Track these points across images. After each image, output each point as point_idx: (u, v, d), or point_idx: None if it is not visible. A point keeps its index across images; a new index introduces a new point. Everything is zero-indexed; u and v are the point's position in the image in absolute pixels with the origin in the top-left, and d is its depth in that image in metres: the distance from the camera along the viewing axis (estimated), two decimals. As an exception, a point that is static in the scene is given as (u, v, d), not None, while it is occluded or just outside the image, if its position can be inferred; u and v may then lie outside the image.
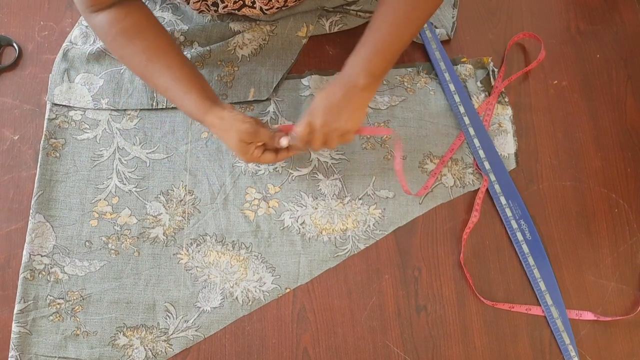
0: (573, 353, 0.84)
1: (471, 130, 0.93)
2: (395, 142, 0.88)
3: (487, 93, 0.97)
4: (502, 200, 0.90)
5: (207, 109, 0.80)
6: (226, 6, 0.91)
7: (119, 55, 0.82)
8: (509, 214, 0.90)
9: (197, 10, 0.94)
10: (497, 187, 0.91)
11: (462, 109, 0.94)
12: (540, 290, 0.86)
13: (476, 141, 0.93)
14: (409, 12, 0.75)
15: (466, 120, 0.94)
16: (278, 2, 0.91)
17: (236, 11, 0.92)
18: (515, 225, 0.89)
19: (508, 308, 0.86)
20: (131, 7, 0.80)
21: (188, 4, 0.93)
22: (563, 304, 0.85)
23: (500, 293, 0.87)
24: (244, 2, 0.90)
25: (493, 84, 0.97)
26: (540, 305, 0.86)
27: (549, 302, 0.85)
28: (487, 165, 0.92)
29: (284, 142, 0.81)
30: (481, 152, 0.92)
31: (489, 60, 0.99)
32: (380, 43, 0.77)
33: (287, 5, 0.94)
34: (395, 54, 0.78)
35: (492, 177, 0.91)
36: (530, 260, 0.87)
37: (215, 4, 0.91)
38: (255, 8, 0.91)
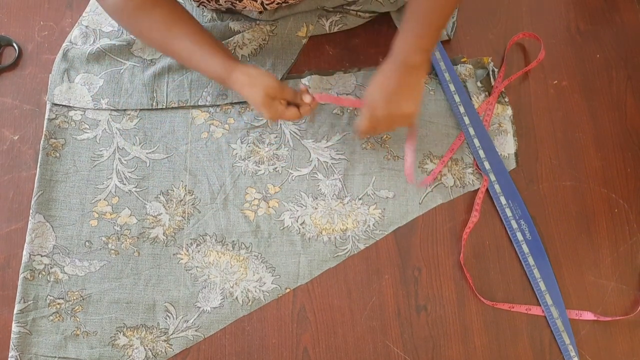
0: (573, 353, 0.84)
1: (471, 130, 0.93)
2: (410, 134, 0.88)
3: (487, 93, 0.97)
4: (502, 200, 0.90)
5: (233, 67, 0.81)
6: None
7: (138, 30, 0.82)
8: (509, 214, 0.90)
9: (198, 2, 0.94)
10: (497, 187, 0.91)
11: (462, 109, 0.94)
12: (540, 290, 0.86)
13: (476, 141, 0.93)
14: None
15: (466, 120, 0.94)
16: None
17: (237, 1, 0.92)
18: (515, 225, 0.89)
19: (508, 308, 0.86)
20: None
21: None
22: (563, 304, 0.85)
23: (500, 293, 0.87)
24: None
25: (493, 84, 0.97)
26: (540, 305, 0.86)
27: (549, 302, 0.85)
28: (487, 165, 0.92)
29: (307, 98, 0.83)
30: (481, 152, 0.92)
31: (489, 60, 0.99)
32: (426, 17, 0.76)
33: (287, 2, 0.93)
34: (441, 26, 0.78)
35: (492, 177, 0.91)
36: (530, 260, 0.87)
37: None
38: (256, 1, 0.91)
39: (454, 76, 0.96)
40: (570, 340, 0.84)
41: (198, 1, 0.94)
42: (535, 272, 0.87)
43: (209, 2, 0.94)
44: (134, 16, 0.80)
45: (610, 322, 0.86)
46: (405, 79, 0.78)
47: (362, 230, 0.89)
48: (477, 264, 0.88)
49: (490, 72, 0.98)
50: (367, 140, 0.94)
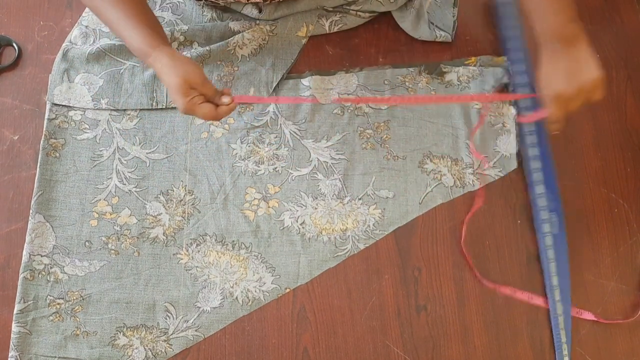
0: (565, 352, 0.84)
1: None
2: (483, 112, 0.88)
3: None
4: (539, 188, 0.90)
5: (157, 44, 0.77)
6: None
7: None
8: (542, 203, 0.89)
9: None
10: (536, 175, 0.91)
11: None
12: (551, 285, 0.86)
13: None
14: None
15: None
16: None
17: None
18: (545, 216, 0.89)
19: (510, 293, 0.86)
20: None
21: None
22: (570, 304, 0.85)
23: (501, 280, 0.87)
24: None
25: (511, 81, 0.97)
26: (541, 296, 0.86)
27: (557, 297, 0.85)
28: (536, 151, 0.92)
29: (226, 99, 0.78)
30: (534, 137, 0.93)
31: (505, 60, 0.98)
32: (549, 3, 0.74)
33: None
34: None
35: (535, 164, 0.91)
36: (550, 253, 0.87)
37: None
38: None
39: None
40: (566, 339, 0.84)
41: None
42: (552, 266, 0.87)
43: None
44: None
45: (611, 322, 0.86)
46: (572, 52, 0.76)
47: (362, 230, 0.89)
48: (478, 250, 0.88)
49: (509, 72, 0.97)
50: (367, 140, 0.94)
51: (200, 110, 0.77)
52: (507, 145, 0.94)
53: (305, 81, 0.96)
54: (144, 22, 0.79)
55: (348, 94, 0.96)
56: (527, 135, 0.93)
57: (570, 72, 0.77)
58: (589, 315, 0.85)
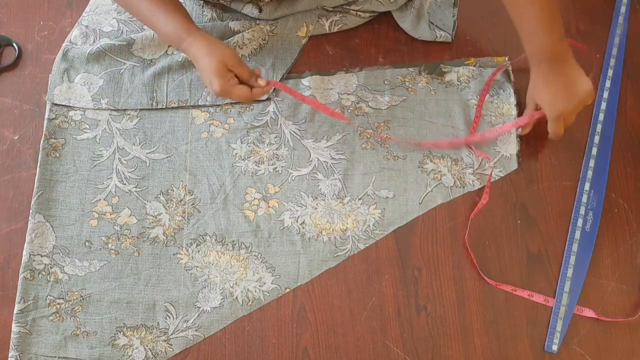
0: (556, 340, 0.84)
1: (603, 105, 0.97)
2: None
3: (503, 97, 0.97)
4: (586, 185, 0.92)
5: (194, 31, 0.80)
6: None
7: None
8: (584, 199, 0.91)
9: None
10: (590, 173, 0.92)
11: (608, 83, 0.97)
12: (565, 276, 0.87)
13: (601, 116, 0.96)
14: None
15: (603, 106, 0.97)
16: None
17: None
18: (582, 212, 0.90)
19: (511, 290, 0.86)
20: None
21: None
22: (576, 299, 0.86)
23: (503, 278, 0.87)
24: None
25: (512, 86, 0.97)
26: (541, 294, 0.86)
27: (566, 289, 0.86)
28: (594, 151, 0.94)
29: (262, 81, 0.82)
30: (599, 127, 0.95)
31: (506, 60, 0.98)
32: (540, 10, 0.76)
33: None
34: (557, 9, 0.78)
35: (591, 163, 0.93)
36: (575, 246, 0.88)
37: None
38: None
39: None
40: (561, 329, 0.84)
41: None
42: (572, 259, 0.88)
43: None
44: None
45: (610, 322, 0.86)
46: (565, 70, 0.81)
47: (362, 230, 0.89)
48: (478, 250, 0.88)
49: (510, 73, 0.98)
50: (367, 140, 0.94)
51: (237, 92, 0.80)
52: (508, 145, 0.94)
53: (305, 81, 0.96)
54: (174, 9, 0.81)
55: (348, 94, 0.96)
56: (595, 135, 0.95)
57: (569, 90, 0.81)
58: (589, 313, 0.85)
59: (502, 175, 0.93)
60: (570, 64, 0.82)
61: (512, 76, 0.98)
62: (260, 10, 0.98)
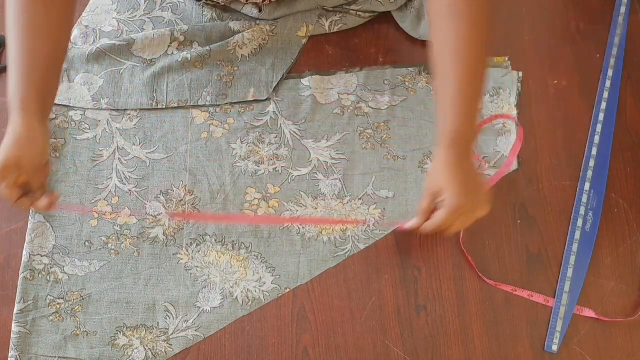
0: (556, 341, 0.84)
1: (603, 105, 0.96)
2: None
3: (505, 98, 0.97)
4: (587, 185, 0.91)
5: (27, 105, 0.69)
6: None
7: None
8: (584, 199, 0.91)
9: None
10: (590, 172, 0.92)
11: (608, 83, 0.97)
12: (565, 276, 0.87)
13: (601, 115, 0.96)
14: (469, 36, 0.68)
15: (603, 105, 0.97)
16: None
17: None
18: (582, 212, 0.90)
19: (511, 290, 0.86)
20: None
21: None
22: (576, 300, 0.86)
23: (501, 278, 0.87)
24: None
25: (519, 88, 0.97)
26: (543, 295, 0.86)
27: (566, 289, 0.86)
28: (594, 151, 0.93)
29: (43, 201, 0.73)
30: (599, 127, 0.95)
31: (506, 60, 0.98)
32: (461, 91, 0.70)
33: None
34: (479, 93, 0.72)
35: (591, 163, 0.93)
36: (575, 246, 0.88)
37: None
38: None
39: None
40: (561, 329, 0.84)
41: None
42: (572, 259, 0.88)
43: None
44: None
45: (611, 322, 0.86)
46: (471, 162, 0.74)
47: (362, 230, 0.89)
48: (478, 250, 0.89)
49: (517, 78, 0.98)
50: (367, 140, 0.94)
51: (5, 194, 0.69)
52: (508, 145, 0.94)
53: (305, 81, 0.96)
54: (35, 73, 0.70)
55: (348, 94, 0.96)
56: (595, 135, 0.95)
57: (476, 185, 0.75)
58: (589, 313, 0.85)
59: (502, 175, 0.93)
60: (473, 159, 0.75)
61: (519, 75, 0.98)
62: (260, 10, 0.98)
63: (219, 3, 0.97)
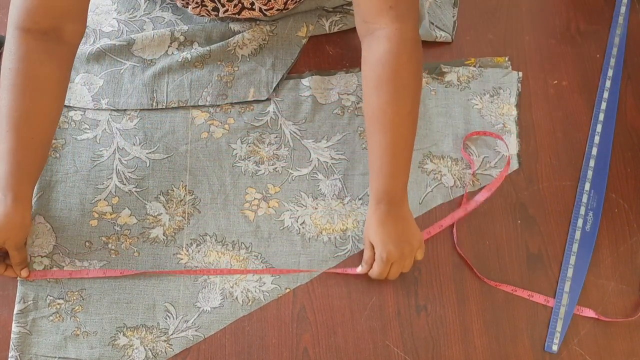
0: (556, 341, 0.84)
1: (603, 105, 0.96)
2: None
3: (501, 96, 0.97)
4: (587, 185, 0.92)
5: (19, 194, 0.76)
6: (227, 10, 0.91)
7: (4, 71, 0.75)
8: (584, 199, 0.91)
9: (197, 14, 0.94)
10: (590, 172, 0.92)
11: (607, 84, 0.98)
12: (565, 276, 0.87)
13: (601, 115, 0.96)
14: (393, 106, 0.74)
15: (605, 94, 0.97)
16: (277, 3, 0.91)
17: (237, 15, 0.92)
18: (582, 212, 0.90)
19: (511, 291, 0.86)
20: (58, 50, 0.76)
21: (187, 8, 0.93)
22: (576, 300, 0.86)
23: (501, 278, 0.87)
24: (243, 5, 0.90)
25: (519, 89, 0.97)
26: (541, 294, 0.86)
27: (566, 289, 0.86)
28: (594, 151, 0.93)
29: (24, 273, 0.82)
30: (599, 126, 0.95)
31: (506, 59, 0.98)
32: (392, 156, 0.76)
33: (288, 8, 0.94)
34: (409, 156, 0.78)
35: (591, 163, 0.93)
36: (575, 246, 0.88)
37: (215, 9, 0.91)
38: (254, 10, 0.91)
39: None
40: (561, 329, 0.84)
41: (198, 14, 0.94)
42: (572, 258, 0.88)
43: (209, 16, 0.94)
44: (15, 64, 0.74)
45: (611, 322, 0.86)
46: (400, 215, 0.81)
47: (362, 230, 0.89)
48: (478, 250, 0.89)
49: (517, 78, 0.98)
50: (367, 141, 0.94)
51: None
52: (508, 145, 0.94)
53: (306, 81, 0.96)
54: (23, 158, 0.76)
55: (348, 94, 0.96)
56: (595, 135, 0.95)
57: (402, 236, 0.81)
58: (589, 313, 0.85)
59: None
60: (406, 210, 0.82)
61: (519, 75, 0.98)
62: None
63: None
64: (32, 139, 0.76)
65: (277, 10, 0.93)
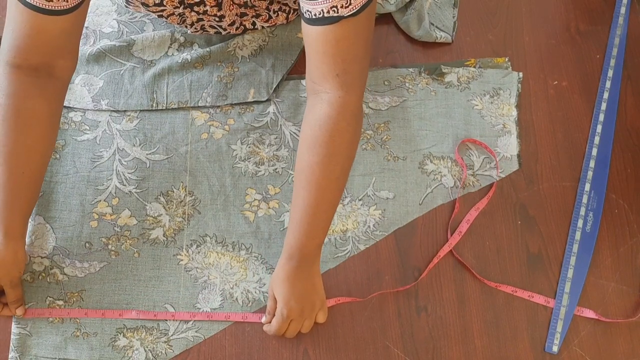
0: (556, 342, 0.84)
1: (603, 106, 0.96)
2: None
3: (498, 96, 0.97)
4: (587, 186, 0.91)
5: (12, 231, 0.77)
6: (228, 32, 0.92)
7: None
8: (584, 200, 0.91)
9: (199, 33, 0.94)
10: (590, 173, 0.92)
11: (607, 84, 0.98)
12: (565, 277, 0.87)
13: (601, 116, 0.96)
14: (321, 168, 0.74)
15: (603, 106, 0.97)
16: (279, 19, 0.91)
17: (241, 35, 0.93)
18: (582, 212, 0.90)
19: (511, 292, 0.86)
20: (49, 86, 0.76)
21: (187, 29, 0.93)
22: (576, 300, 0.86)
23: (501, 279, 0.87)
24: (245, 27, 0.91)
25: (519, 90, 0.97)
26: (541, 295, 0.86)
27: (567, 290, 0.86)
28: (594, 151, 0.93)
29: (19, 311, 0.81)
30: (599, 127, 0.95)
31: (506, 60, 0.99)
32: (312, 216, 0.76)
33: (290, 20, 0.94)
34: (329, 218, 0.78)
35: (591, 164, 0.93)
36: (575, 247, 0.88)
37: (218, 33, 0.92)
38: (257, 28, 0.92)
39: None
40: (562, 330, 0.84)
41: (199, 34, 0.95)
42: (572, 259, 0.88)
43: (213, 34, 0.94)
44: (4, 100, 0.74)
45: (611, 323, 0.86)
46: (309, 273, 0.81)
47: (362, 231, 0.89)
48: (478, 250, 0.89)
49: (517, 79, 0.98)
50: (367, 141, 0.94)
51: None
52: (508, 146, 0.94)
53: (305, 82, 0.96)
54: (24, 194, 0.77)
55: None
56: (595, 135, 0.95)
57: (306, 294, 0.81)
58: (590, 314, 0.85)
59: (503, 175, 0.93)
60: (316, 270, 0.82)
61: (519, 76, 0.98)
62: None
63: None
64: (22, 174, 0.76)
65: (280, 24, 0.94)
